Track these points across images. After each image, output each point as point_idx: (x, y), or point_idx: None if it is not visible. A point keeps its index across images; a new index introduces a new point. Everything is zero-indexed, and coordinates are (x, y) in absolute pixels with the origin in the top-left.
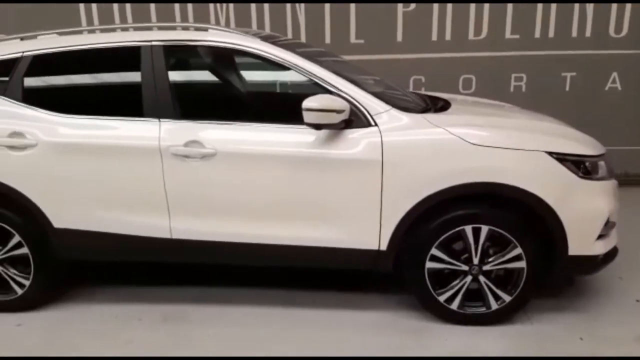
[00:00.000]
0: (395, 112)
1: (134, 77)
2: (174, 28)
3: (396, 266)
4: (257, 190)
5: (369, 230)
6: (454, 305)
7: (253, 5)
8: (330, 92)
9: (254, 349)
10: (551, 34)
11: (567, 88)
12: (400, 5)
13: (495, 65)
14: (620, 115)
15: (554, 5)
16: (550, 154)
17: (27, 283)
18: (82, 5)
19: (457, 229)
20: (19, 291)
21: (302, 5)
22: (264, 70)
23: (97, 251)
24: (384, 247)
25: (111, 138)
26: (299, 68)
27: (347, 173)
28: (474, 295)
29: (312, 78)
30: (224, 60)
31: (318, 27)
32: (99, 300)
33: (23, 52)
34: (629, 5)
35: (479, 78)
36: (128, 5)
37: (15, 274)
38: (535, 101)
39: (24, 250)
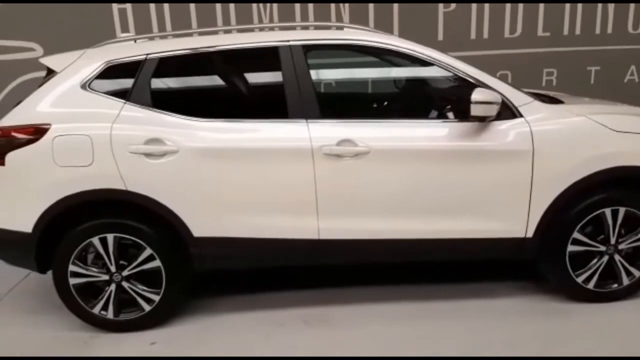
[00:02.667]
0: (537, 104)
1: (274, 78)
2: (294, 28)
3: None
4: (410, 186)
5: (517, 219)
6: (591, 285)
7: (297, 5)
8: (477, 87)
9: (407, 347)
10: (577, 31)
11: (592, 81)
12: (441, 6)
13: (528, 61)
14: (637, 104)
15: (580, 5)
16: None
17: (156, 298)
18: (115, 6)
19: (598, 211)
20: (147, 308)
21: (347, 5)
22: (396, 67)
23: (240, 258)
24: (530, 234)
25: (257, 141)
26: (443, 64)
27: (499, 164)
28: (604, 273)
29: (456, 73)
30: (361, 58)
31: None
32: (227, 309)
33: (147, 54)
34: None
35: (514, 73)
36: (166, 6)
37: (143, 290)
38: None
39: (155, 263)
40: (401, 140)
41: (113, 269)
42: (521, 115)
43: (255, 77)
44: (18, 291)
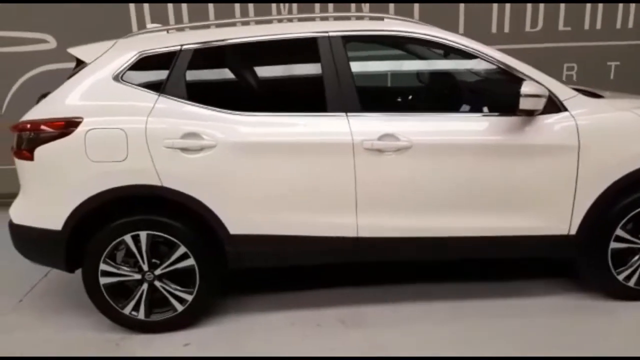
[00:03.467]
0: (582, 97)
1: (312, 70)
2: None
3: None
4: (453, 182)
5: (561, 216)
6: (631, 283)
7: (317, 5)
8: (522, 80)
9: (451, 347)
10: (598, 25)
11: (612, 76)
12: None
13: (549, 55)
14: None
15: None
16: None
17: (189, 298)
18: (132, 6)
19: None
20: (179, 308)
21: (367, 5)
22: (437, 59)
23: (276, 257)
24: (573, 231)
25: (296, 135)
26: (488, 56)
27: (544, 159)
28: None
29: (500, 66)
30: (401, 49)
31: None
32: (259, 309)
33: (182, 45)
34: None
35: (535, 67)
36: (184, 5)
37: (176, 289)
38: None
39: (189, 262)
40: (444, 135)
41: (145, 267)
42: (566, 109)
43: (293, 69)
44: (39, 291)
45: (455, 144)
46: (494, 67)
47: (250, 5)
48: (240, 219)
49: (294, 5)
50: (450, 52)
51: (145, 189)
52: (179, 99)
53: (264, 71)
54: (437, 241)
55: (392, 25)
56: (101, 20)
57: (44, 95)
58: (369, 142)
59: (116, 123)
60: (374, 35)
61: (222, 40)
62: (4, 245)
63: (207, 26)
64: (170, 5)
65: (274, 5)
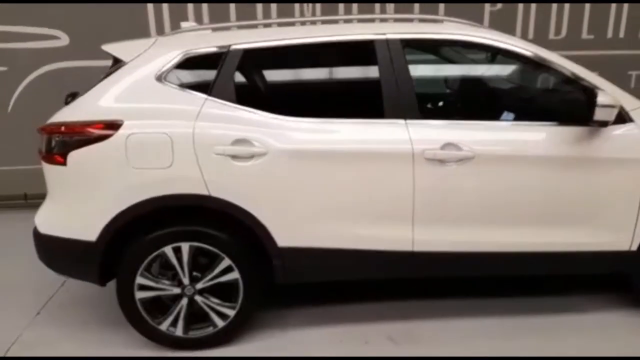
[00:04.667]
0: None
1: (369, 74)
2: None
3: None
4: (517, 195)
5: (624, 231)
6: None
7: (341, 5)
8: (589, 89)
9: None
10: (621, 34)
11: (632, 85)
12: (487, 5)
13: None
14: None
15: (625, 6)
16: None
17: (231, 313)
18: (150, 6)
19: None
20: (220, 324)
21: (392, 5)
22: (497, 65)
23: (325, 271)
24: (635, 247)
25: (352, 143)
26: (556, 65)
27: (612, 171)
28: None
29: (568, 75)
30: (462, 54)
31: None
32: (300, 324)
33: (230, 45)
34: None
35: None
36: (205, 5)
37: (218, 304)
38: None
39: (233, 275)
40: (509, 145)
41: (186, 281)
42: (631, 120)
43: (348, 73)
44: (57, 302)
45: (520, 155)
46: (560, 75)
47: (273, 6)
48: (289, 231)
49: (317, 6)
50: (514, 58)
51: (191, 199)
52: (227, 103)
53: (317, 74)
54: (496, 257)
55: (453, 28)
56: (116, 16)
57: (72, 95)
58: (431, 151)
59: (161, 127)
60: (434, 40)
61: (274, 41)
62: (15, 251)
63: (254, 26)
64: (190, 7)
65: (297, 5)
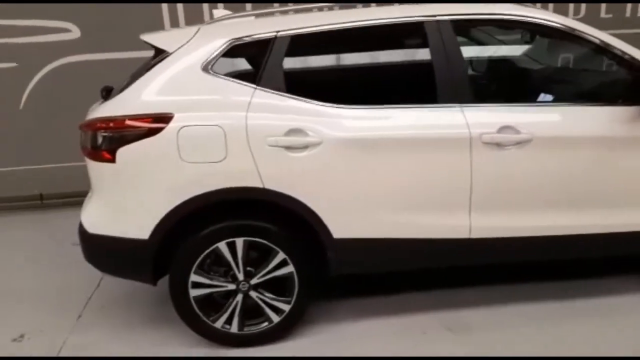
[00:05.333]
0: None
1: (420, 58)
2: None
3: None
4: (576, 177)
5: None
6: None
7: None
8: None
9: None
10: (639, 13)
11: None
12: None
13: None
14: None
15: None
16: None
17: (286, 308)
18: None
19: None
20: (275, 319)
21: None
22: (550, 45)
23: (380, 261)
24: None
25: (407, 129)
26: (611, 47)
27: None
28: None
29: (626, 57)
30: (513, 34)
31: None
32: (351, 316)
33: (277, 31)
34: None
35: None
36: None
37: (272, 299)
38: None
39: (288, 269)
40: (567, 127)
41: (241, 277)
42: None
43: (397, 57)
44: (96, 303)
45: (579, 136)
46: (615, 56)
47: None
48: (344, 222)
49: None
50: (568, 39)
51: (245, 192)
52: (277, 92)
53: (366, 60)
54: (555, 240)
55: (505, 8)
56: (128, 7)
57: (108, 90)
58: (488, 135)
59: (212, 119)
60: (486, 20)
61: (321, 26)
62: (38, 256)
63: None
64: (205, 7)
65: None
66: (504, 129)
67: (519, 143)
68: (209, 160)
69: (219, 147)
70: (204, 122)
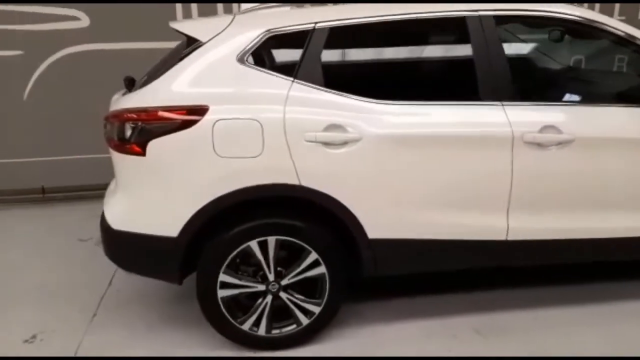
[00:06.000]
0: None
1: (461, 53)
2: None
3: None
4: (617, 179)
5: None
6: None
7: None
8: None
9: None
10: None
11: None
12: None
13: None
14: None
15: None
16: None
17: (316, 310)
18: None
19: None
20: (304, 321)
21: None
22: (592, 44)
23: (416, 263)
24: None
25: (449, 127)
26: None
27: None
28: None
29: None
30: (555, 32)
31: None
32: (380, 318)
33: (315, 23)
34: None
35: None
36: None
37: (303, 301)
38: None
39: (320, 270)
40: (608, 128)
41: (271, 277)
42: None
43: (439, 52)
44: (110, 302)
45: (622, 138)
46: None
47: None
48: (380, 221)
49: None
50: (612, 39)
51: (281, 189)
52: (315, 85)
53: (406, 54)
54: (593, 243)
55: (549, 6)
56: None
57: (130, 80)
58: (530, 134)
59: (249, 112)
60: (531, 16)
61: (360, 18)
62: (44, 251)
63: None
64: (220, 7)
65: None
66: (546, 128)
67: (560, 143)
68: (245, 156)
69: (255, 141)
70: (241, 115)
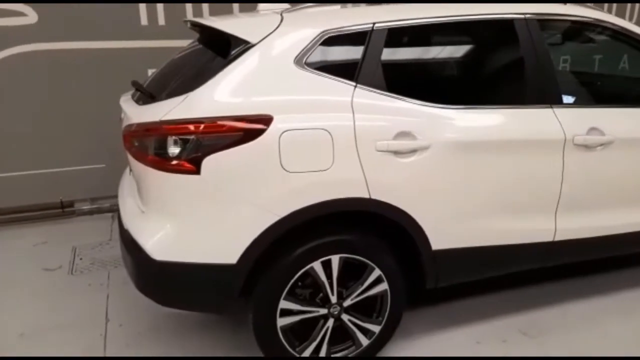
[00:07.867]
0: None
1: (515, 56)
2: None
3: None
4: None
5: None
6: None
7: None
8: None
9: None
10: None
11: None
12: None
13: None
14: None
15: None
16: None
17: (376, 329)
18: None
19: None
20: (364, 342)
21: None
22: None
23: (473, 271)
24: None
25: (511, 132)
26: None
27: None
28: None
29: None
30: (593, 37)
31: None
32: (425, 328)
33: (373, 23)
34: None
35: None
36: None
37: (364, 321)
38: None
39: (382, 287)
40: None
41: (334, 299)
42: None
43: (495, 55)
44: (118, 341)
45: None
46: None
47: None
48: (444, 231)
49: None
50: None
51: (351, 204)
52: (378, 90)
53: (465, 57)
54: (633, 236)
55: (584, 11)
56: None
57: (138, 85)
58: (580, 137)
59: (317, 121)
60: (575, 22)
61: (417, 19)
62: (17, 286)
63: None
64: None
65: None
66: (591, 130)
67: (602, 144)
68: (315, 169)
69: (325, 153)
70: (309, 125)
